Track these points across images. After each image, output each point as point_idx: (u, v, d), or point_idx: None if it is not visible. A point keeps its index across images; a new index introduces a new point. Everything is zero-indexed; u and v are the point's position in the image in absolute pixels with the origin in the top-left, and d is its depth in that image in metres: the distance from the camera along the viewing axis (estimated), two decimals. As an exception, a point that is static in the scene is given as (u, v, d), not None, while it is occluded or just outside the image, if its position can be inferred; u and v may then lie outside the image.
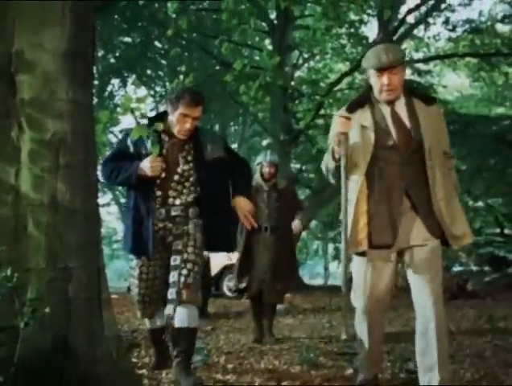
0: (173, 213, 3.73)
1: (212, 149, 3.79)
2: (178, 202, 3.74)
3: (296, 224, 5.92)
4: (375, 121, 3.24)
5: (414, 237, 3.21)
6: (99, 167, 3.76)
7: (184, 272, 3.61)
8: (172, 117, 3.70)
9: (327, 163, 3.35)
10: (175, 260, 3.68)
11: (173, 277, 3.64)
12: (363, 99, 3.37)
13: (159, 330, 3.97)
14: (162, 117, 3.81)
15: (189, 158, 3.76)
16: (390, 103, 3.26)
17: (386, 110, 3.27)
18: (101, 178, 3.79)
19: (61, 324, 3.00)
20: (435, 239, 3.22)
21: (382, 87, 3.19)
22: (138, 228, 3.74)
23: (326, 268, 31.69)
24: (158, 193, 3.73)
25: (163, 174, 3.71)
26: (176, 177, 3.73)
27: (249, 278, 5.82)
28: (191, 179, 3.75)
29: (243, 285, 5.85)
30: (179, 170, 3.73)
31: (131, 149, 3.77)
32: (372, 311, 3.31)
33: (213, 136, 3.97)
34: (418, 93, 3.40)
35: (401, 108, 3.27)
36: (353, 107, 3.34)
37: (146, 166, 3.61)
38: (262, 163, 5.94)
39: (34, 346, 2.88)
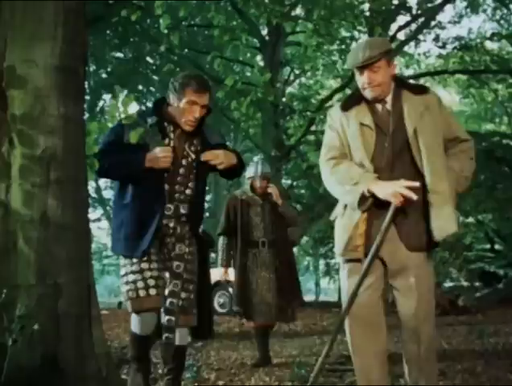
0: (182, 211, 3.39)
1: (211, 136, 3.54)
2: (183, 197, 3.40)
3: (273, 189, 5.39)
4: (374, 120, 3.02)
5: (394, 251, 2.93)
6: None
7: (183, 295, 3.36)
8: (177, 107, 3.33)
9: (342, 195, 3.04)
10: (178, 267, 3.36)
11: (175, 286, 3.34)
12: (358, 95, 3.10)
13: (147, 339, 3.40)
14: (160, 106, 3.46)
15: (193, 148, 3.44)
16: (382, 100, 3.04)
17: (379, 108, 3.05)
18: (99, 173, 3.43)
19: (50, 341, 2.98)
20: (420, 252, 2.94)
21: (363, 85, 2.99)
22: (136, 226, 3.28)
23: (317, 285, 31.60)
24: (166, 187, 3.34)
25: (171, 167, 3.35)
26: (182, 170, 3.39)
27: (249, 303, 5.27)
28: (194, 172, 3.44)
29: (242, 311, 5.30)
30: (184, 162, 3.40)
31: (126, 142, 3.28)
32: (357, 320, 3.00)
33: (209, 127, 3.63)
34: (407, 84, 3.13)
35: (389, 105, 3.04)
36: (347, 105, 3.10)
37: (157, 156, 3.24)
38: (253, 177, 5.45)
39: (22, 364, 2.85)
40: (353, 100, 3.11)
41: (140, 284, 3.20)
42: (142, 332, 3.29)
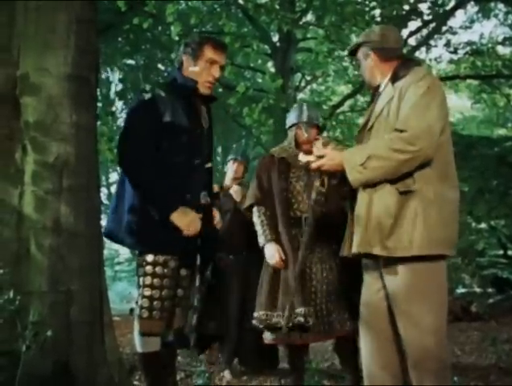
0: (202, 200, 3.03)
1: None
2: (206, 169, 3.10)
3: None
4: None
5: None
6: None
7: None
8: (194, 69, 3.00)
9: None
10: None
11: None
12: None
13: (157, 353, 2.97)
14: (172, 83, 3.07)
15: (207, 114, 3.14)
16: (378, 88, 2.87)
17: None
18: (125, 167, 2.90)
19: (62, 348, 3.00)
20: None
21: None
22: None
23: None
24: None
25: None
26: (203, 140, 3.06)
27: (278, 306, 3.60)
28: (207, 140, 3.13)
29: (276, 319, 3.54)
30: (204, 131, 3.09)
31: (165, 119, 2.87)
32: (366, 325, 2.82)
33: None
34: (397, 71, 2.80)
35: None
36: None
37: (182, 222, 2.86)
38: (298, 125, 3.91)
39: (34, 371, 2.87)
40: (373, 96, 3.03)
41: (157, 304, 2.87)
42: (150, 350, 2.94)
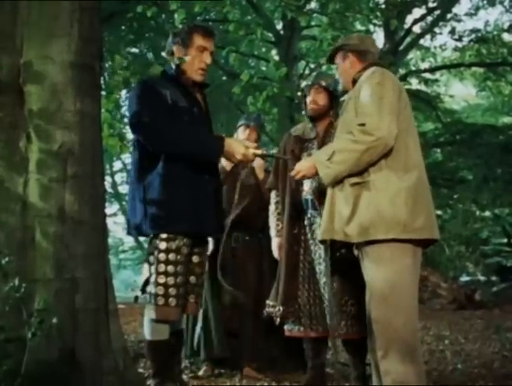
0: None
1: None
2: None
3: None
4: None
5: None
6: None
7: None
8: (186, 58, 3.12)
9: None
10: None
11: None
12: None
13: (165, 341, 3.05)
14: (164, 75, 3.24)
15: (203, 102, 3.25)
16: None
17: None
18: (151, 141, 3.02)
19: (68, 335, 3.01)
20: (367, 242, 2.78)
21: None
22: (197, 200, 3.00)
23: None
24: None
25: None
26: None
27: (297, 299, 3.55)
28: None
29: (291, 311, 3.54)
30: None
31: (164, 96, 3.02)
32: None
33: None
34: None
35: None
36: None
37: (238, 151, 2.98)
38: (306, 88, 3.72)
39: (41, 358, 2.88)
40: None
41: (172, 291, 2.93)
42: (159, 338, 3.03)
